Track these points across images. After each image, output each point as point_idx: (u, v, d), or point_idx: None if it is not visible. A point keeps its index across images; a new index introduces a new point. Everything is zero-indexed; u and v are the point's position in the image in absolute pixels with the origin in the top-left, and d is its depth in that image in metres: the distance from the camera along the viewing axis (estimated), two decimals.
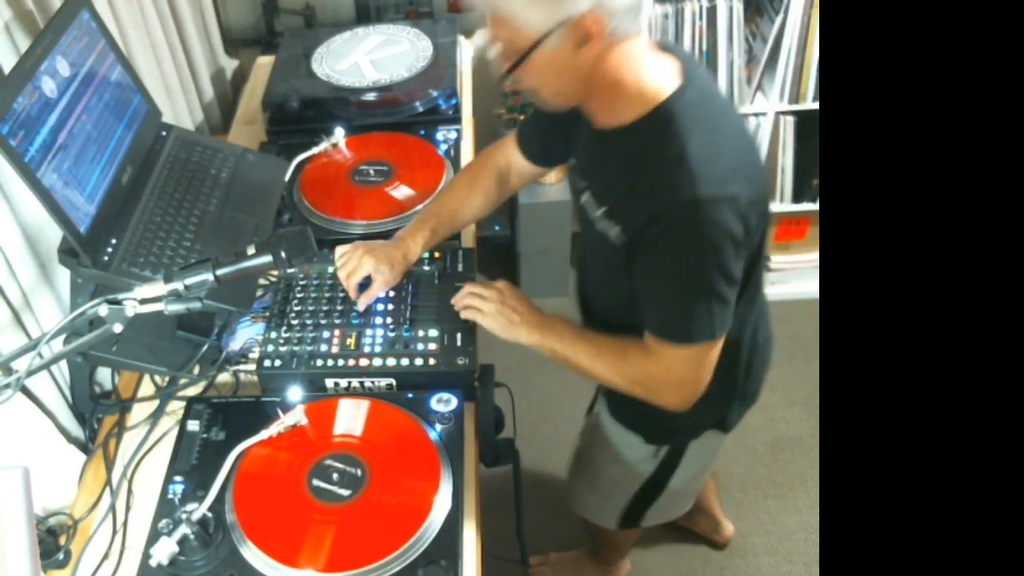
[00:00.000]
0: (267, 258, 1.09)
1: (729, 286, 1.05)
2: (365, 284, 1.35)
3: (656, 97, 1.04)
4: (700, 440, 1.38)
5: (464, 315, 1.30)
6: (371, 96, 1.84)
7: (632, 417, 1.39)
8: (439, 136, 1.78)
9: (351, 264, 1.34)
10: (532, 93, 1.07)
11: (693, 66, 1.08)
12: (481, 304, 1.27)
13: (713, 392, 1.17)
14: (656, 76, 1.04)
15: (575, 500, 1.68)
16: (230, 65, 2.28)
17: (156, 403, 1.36)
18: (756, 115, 2.27)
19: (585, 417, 1.67)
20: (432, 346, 1.30)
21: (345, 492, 1.12)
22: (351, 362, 1.28)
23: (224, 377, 1.39)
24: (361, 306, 1.34)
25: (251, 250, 1.09)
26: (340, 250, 1.38)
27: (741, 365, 1.29)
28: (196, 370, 1.34)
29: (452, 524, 1.10)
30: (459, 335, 1.31)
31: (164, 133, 1.52)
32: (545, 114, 1.29)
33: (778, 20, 2.10)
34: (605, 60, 1.00)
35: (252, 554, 1.07)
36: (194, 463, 1.18)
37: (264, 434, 1.19)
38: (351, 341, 1.31)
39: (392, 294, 1.38)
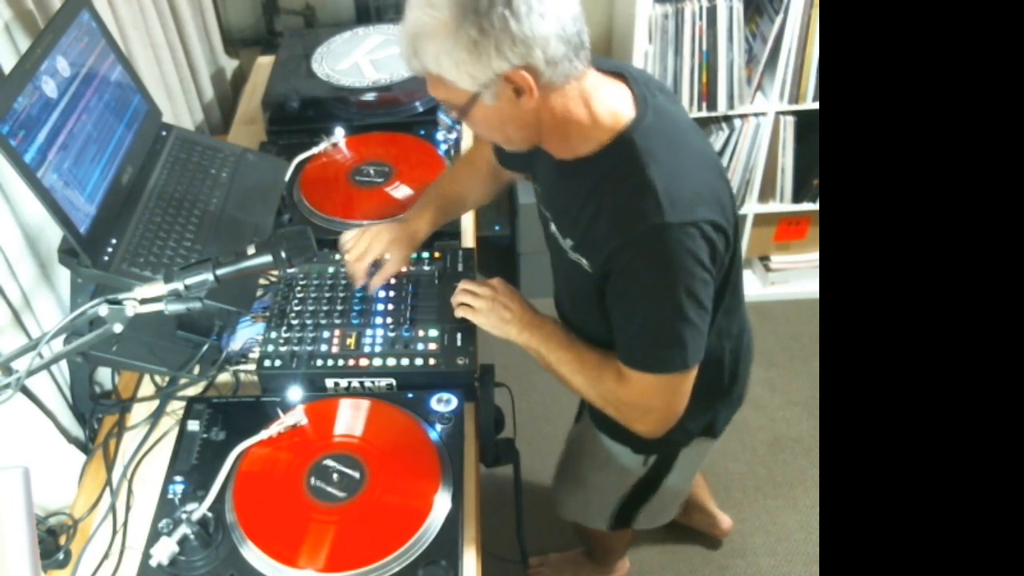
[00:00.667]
0: (267, 258, 1.09)
1: (699, 313, 1.04)
2: (373, 272, 1.36)
3: (614, 127, 1.03)
4: (689, 447, 1.38)
5: (458, 313, 1.30)
6: (371, 96, 1.84)
7: (619, 427, 1.36)
8: (439, 136, 1.79)
9: (360, 247, 1.34)
10: (485, 138, 1.09)
11: (647, 88, 1.07)
12: (474, 301, 1.27)
13: (701, 403, 1.16)
14: (610, 105, 1.04)
15: (562, 507, 1.67)
16: (230, 65, 2.28)
17: (156, 403, 1.36)
18: (756, 115, 2.27)
19: (573, 424, 1.67)
20: (432, 346, 1.30)
21: (345, 492, 1.12)
22: (351, 362, 1.28)
23: (224, 377, 1.39)
24: (372, 288, 1.35)
25: (251, 250, 1.09)
26: (347, 235, 1.38)
27: (726, 374, 1.29)
28: (196, 370, 1.34)
29: (452, 524, 1.10)
30: (459, 335, 1.31)
31: (164, 133, 1.52)
32: None
33: (778, 20, 2.10)
34: (550, 104, 1.00)
35: (252, 554, 1.07)
36: (194, 463, 1.18)
37: (264, 434, 1.19)
38: (351, 341, 1.31)
39: (392, 294, 1.38)
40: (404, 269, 1.42)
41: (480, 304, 1.27)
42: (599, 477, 1.50)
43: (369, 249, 1.34)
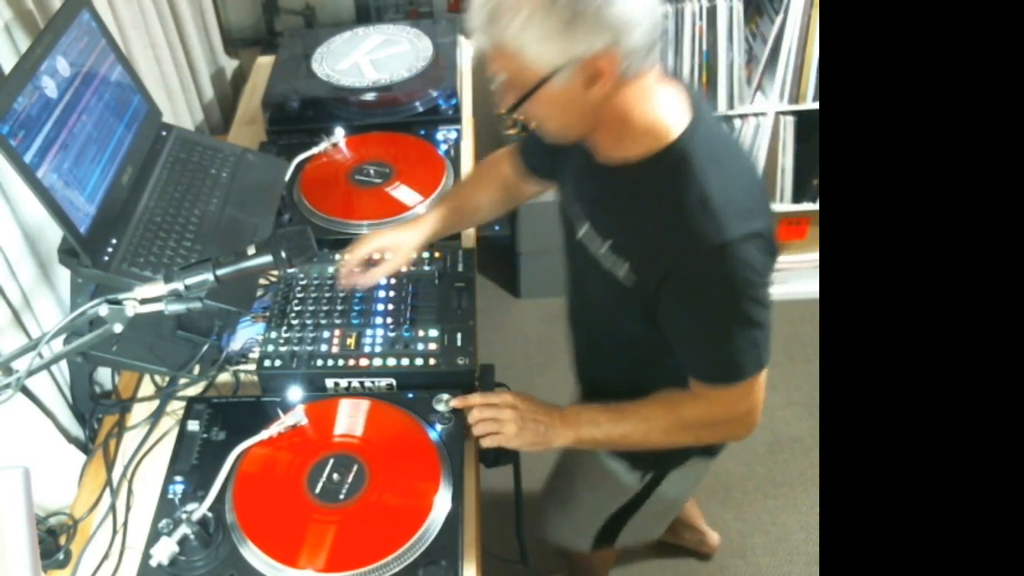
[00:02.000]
0: (267, 258, 1.09)
1: (765, 313, 1.03)
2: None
3: (667, 134, 1.01)
4: (685, 466, 1.36)
5: (486, 444, 1.19)
6: (371, 96, 1.84)
7: None
8: (439, 136, 1.78)
9: (361, 243, 1.33)
10: (536, 125, 1.04)
11: (698, 97, 1.06)
12: (501, 427, 1.18)
13: None
14: (666, 111, 1.01)
15: (548, 527, 1.63)
16: (230, 65, 2.28)
17: (156, 403, 1.36)
18: (756, 115, 2.27)
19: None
20: (432, 346, 1.30)
21: (345, 492, 1.12)
22: (351, 362, 1.28)
23: (224, 377, 1.39)
24: (371, 280, 1.32)
25: (251, 250, 1.09)
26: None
27: None
28: (196, 370, 1.34)
29: (452, 524, 1.10)
30: (459, 335, 1.31)
31: (164, 133, 1.52)
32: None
33: (778, 20, 2.10)
34: (615, 97, 0.97)
35: (252, 554, 1.07)
36: (194, 463, 1.18)
37: (264, 434, 1.19)
38: (351, 341, 1.31)
39: (392, 294, 1.38)
40: (405, 268, 1.42)
41: (509, 428, 1.17)
42: (591, 495, 1.48)
43: (364, 244, 1.32)
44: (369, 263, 1.34)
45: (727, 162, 1.03)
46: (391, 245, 1.33)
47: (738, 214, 0.98)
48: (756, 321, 1.02)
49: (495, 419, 1.19)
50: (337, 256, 1.41)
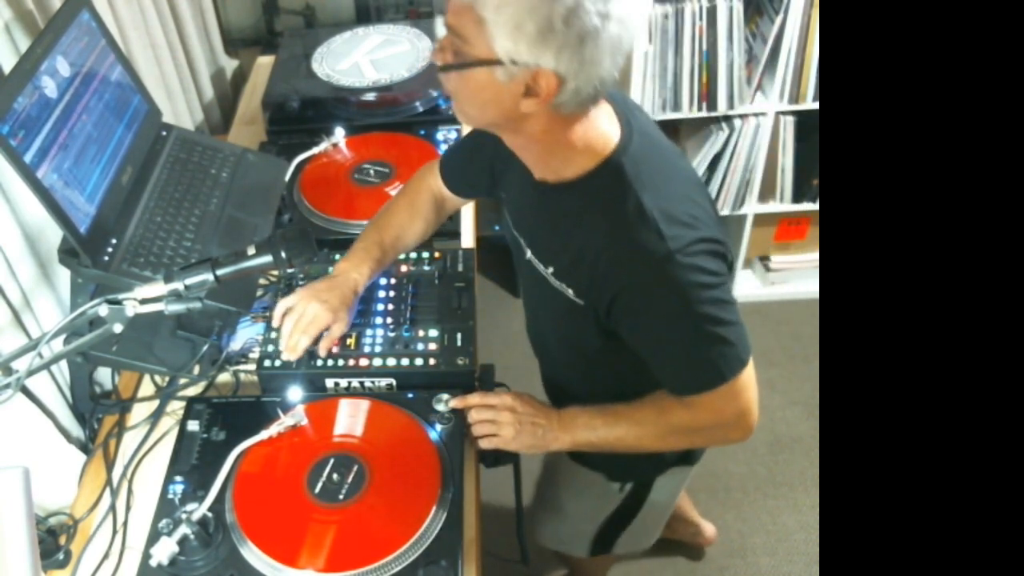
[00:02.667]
0: (267, 258, 1.09)
1: (730, 309, 1.01)
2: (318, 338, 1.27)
3: (601, 151, 0.99)
4: (666, 475, 1.35)
5: (484, 445, 1.20)
6: (371, 96, 1.84)
7: (591, 456, 1.33)
8: (439, 136, 1.78)
9: (304, 320, 1.24)
10: (453, 98, 1.00)
11: (628, 109, 1.04)
12: (499, 429, 1.18)
13: None
14: (600, 129, 0.99)
15: (541, 534, 1.62)
16: (230, 65, 2.28)
17: (156, 403, 1.36)
18: (756, 115, 2.27)
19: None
20: (432, 346, 1.30)
21: (345, 492, 1.12)
22: (351, 362, 1.28)
23: (224, 377, 1.39)
24: (323, 351, 1.26)
25: (251, 250, 1.09)
26: (282, 305, 1.27)
27: None
28: (196, 370, 1.34)
29: (452, 524, 1.10)
30: (459, 335, 1.31)
31: (164, 133, 1.52)
32: (470, 148, 1.25)
33: (778, 20, 2.10)
34: (541, 119, 0.94)
35: (252, 554, 1.07)
36: (194, 463, 1.18)
37: (264, 434, 1.19)
38: (351, 341, 1.31)
39: (392, 294, 1.38)
40: (405, 268, 1.42)
41: (507, 430, 1.17)
42: (576, 504, 1.47)
43: (314, 321, 1.23)
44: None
45: (664, 172, 1.01)
46: (339, 313, 1.25)
47: (680, 222, 0.96)
48: (722, 320, 1.00)
49: (493, 421, 1.19)
50: (336, 257, 1.37)
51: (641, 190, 0.97)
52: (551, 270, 1.08)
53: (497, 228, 2.66)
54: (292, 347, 1.24)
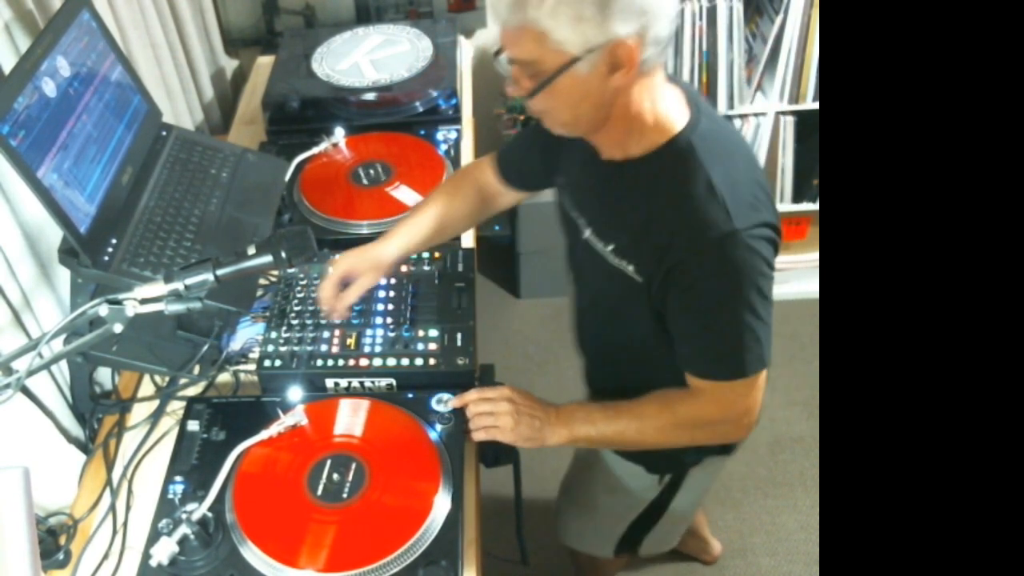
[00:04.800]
0: (267, 258, 1.09)
1: (768, 309, 1.03)
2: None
3: (671, 129, 1.01)
4: (702, 465, 1.35)
5: (479, 436, 1.19)
6: (371, 96, 1.84)
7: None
8: (439, 136, 1.78)
9: (333, 271, 1.27)
10: (545, 116, 1.02)
11: (695, 95, 1.06)
12: (497, 421, 1.18)
13: None
14: (670, 106, 1.01)
15: (567, 532, 1.62)
16: (230, 65, 2.28)
17: (156, 403, 1.36)
18: (756, 115, 2.27)
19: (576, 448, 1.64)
20: (432, 346, 1.30)
21: (345, 492, 1.12)
22: (351, 362, 1.28)
23: (224, 377, 1.39)
24: (339, 314, 1.27)
25: (251, 250, 1.09)
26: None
27: None
28: (196, 370, 1.34)
29: (452, 524, 1.10)
30: (459, 335, 1.31)
31: (164, 133, 1.52)
32: (529, 138, 1.25)
33: (778, 20, 2.10)
34: (629, 91, 0.97)
35: (252, 554, 1.07)
36: (194, 463, 1.18)
37: (264, 434, 1.19)
38: (351, 341, 1.31)
39: (392, 294, 1.38)
40: (405, 268, 1.42)
41: (505, 421, 1.17)
42: (610, 501, 1.46)
43: (332, 272, 1.26)
44: (345, 284, 1.28)
45: (732, 154, 1.03)
46: (364, 266, 1.27)
47: (746, 203, 0.98)
48: (761, 316, 1.02)
49: (491, 413, 1.19)
50: (336, 257, 1.35)
51: (711, 168, 0.99)
52: (611, 247, 1.09)
53: (497, 228, 2.66)
54: (324, 301, 1.27)
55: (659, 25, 0.91)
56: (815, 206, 2.45)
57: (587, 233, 1.14)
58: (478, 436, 1.19)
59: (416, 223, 1.32)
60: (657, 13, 0.90)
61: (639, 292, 1.07)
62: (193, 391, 1.36)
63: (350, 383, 1.29)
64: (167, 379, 1.38)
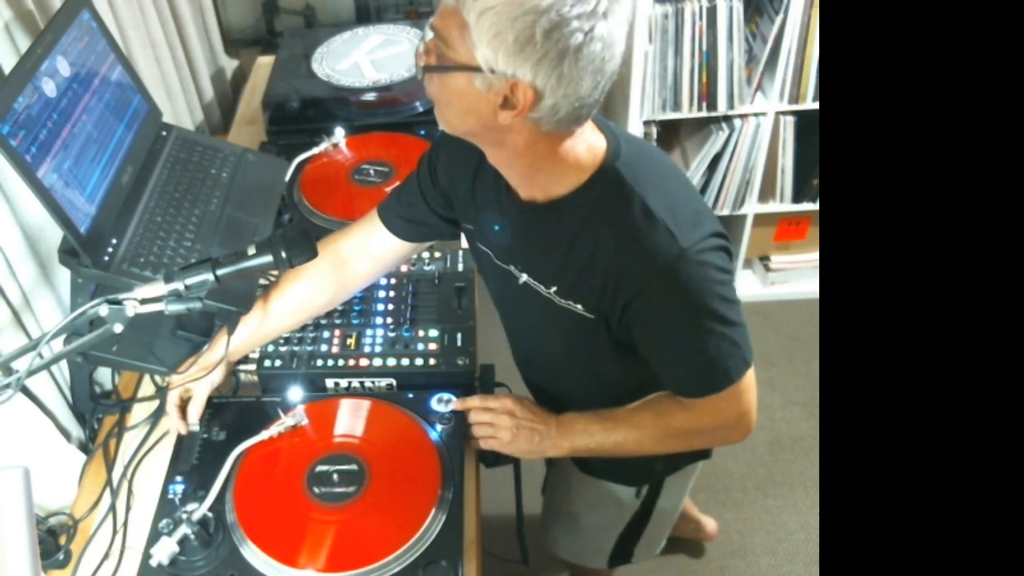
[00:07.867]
0: (267, 258, 1.08)
1: (736, 310, 1.00)
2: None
3: (592, 163, 0.97)
4: (679, 472, 1.35)
5: (482, 446, 1.21)
6: (371, 96, 1.84)
7: (606, 465, 1.33)
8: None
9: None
10: (435, 104, 0.97)
11: (603, 119, 1.01)
12: (496, 432, 1.18)
13: None
14: (587, 141, 0.97)
15: (557, 546, 1.61)
16: (230, 65, 2.28)
17: (156, 403, 1.36)
18: (756, 115, 2.27)
19: (548, 468, 1.60)
20: (432, 346, 1.30)
21: (345, 492, 1.12)
22: (351, 362, 1.28)
23: None
24: (192, 423, 1.22)
25: (251, 250, 1.09)
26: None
27: None
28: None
29: (452, 524, 1.10)
30: (459, 335, 1.31)
31: (164, 133, 1.52)
32: (421, 184, 1.19)
33: (778, 20, 2.10)
34: (525, 135, 0.92)
35: (252, 554, 1.07)
36: (194, 463, 1.18)
37: (264, 434, 1.19)
38: (351, 341, 1.31)
39: (392, 294, 1.38)
40: (405, 268, 1.42)
41: (505, 434, 1.18)
42: (593, 518, 1.46)
43: (168, 400, 1.23)
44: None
45: (659, 173, 1.00)
46: (193, 381, 1.23)
47: (687, 220, 0.96)
48: (731, 320, 0.99)
49: (491, 424, 1.19)
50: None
51: (644, 192, 0.96)
52: (554, 290, 1.05)
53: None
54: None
55: (565, 96, 0.86)
56: (815, 206, 2.45)
57: (524, 278, 1.09)
58: (477, 445, 1.20)
59: (246, 320, 1.26)
60: (572, 88, 0.85)
61: (593, 327, 1.05)
62: None
63: (350, 383, 1.29)
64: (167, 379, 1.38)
